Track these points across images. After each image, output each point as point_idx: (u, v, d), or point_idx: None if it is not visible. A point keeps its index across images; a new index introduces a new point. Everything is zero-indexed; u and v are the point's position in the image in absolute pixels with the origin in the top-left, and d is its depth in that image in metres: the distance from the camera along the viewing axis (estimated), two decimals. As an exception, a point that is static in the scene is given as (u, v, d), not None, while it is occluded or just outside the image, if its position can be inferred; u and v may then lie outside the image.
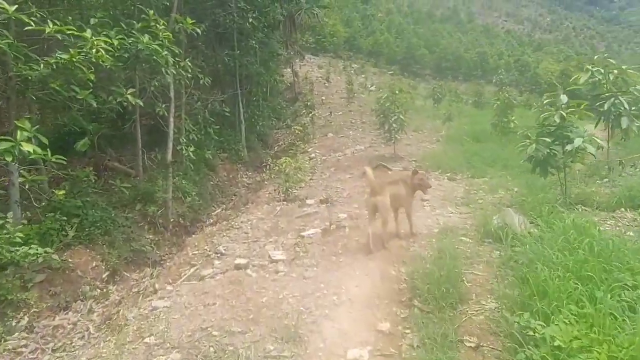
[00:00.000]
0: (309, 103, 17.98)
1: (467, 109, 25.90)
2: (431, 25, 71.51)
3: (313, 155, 14.00)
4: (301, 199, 8.79)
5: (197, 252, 6.65)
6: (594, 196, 7.04)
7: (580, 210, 6.70)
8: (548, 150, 6.31)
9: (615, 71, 8.51)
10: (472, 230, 5.93)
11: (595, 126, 9.23)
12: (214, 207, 12.03)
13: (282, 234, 6.78)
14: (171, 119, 9.84)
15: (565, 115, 6.33)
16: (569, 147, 6.12)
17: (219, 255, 6.20)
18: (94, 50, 6.06)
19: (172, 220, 10.00)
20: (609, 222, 5.79)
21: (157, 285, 5.67)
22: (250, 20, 12.60)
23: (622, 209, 6.43)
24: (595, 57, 8.76)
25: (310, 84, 29.30)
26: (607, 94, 8.53)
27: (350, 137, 16.15)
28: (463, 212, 7.25)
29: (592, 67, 8.64)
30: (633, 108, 8.37)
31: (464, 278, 4.27)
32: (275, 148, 18.50)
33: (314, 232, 6.55)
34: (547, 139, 6.27)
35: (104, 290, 7.36)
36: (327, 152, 14.16)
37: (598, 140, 6.26)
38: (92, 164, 10.89)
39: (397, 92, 11.89)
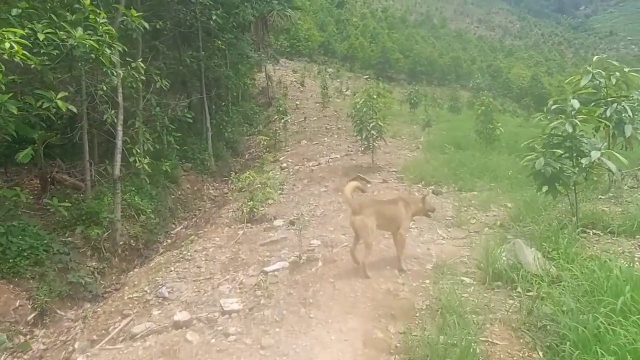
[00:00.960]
0: (281, 108, 16.69)
1: (444, 113, 25.09)
2: (405, 30, 71.13)
3: (285, 164, 12.73)
4: (268, 219, 7.53)
5: (135, 294, 5.30)
6: (604, 217, 6.01)
7: (592, 234, 5.67)
8: (559, 165, 5.23)
9: (617, 74, 7.57)
10: (474, 267, 4.80)
11: (595, 134, 8.27)
12: (174, 224, 10.66)
13: (242, 268, 5.52)
14: (119, 128, 8.46)
15: (578, 123, 5.27)
16: (584, 162, 5.05)
17: (160, 300, 4.88)
18: (6, 45, 4.75)
19: (121, 243, 8.61)
20: (637, 255, 4.72)
21: (76, 344, 4.33)
22: (214, 17, 11.27)
23: (642, 235, 5.40)
24: (595, 58, 7.79)
25: (285, 88, 28.07)
26: (609, 99, 7.58)
27: (325, 144, 14.96)
28: (456, 237, 6.14)
29: (593, 69, 7.67)
30: (636, 114, 7.45)
31: (477, 350, 3.07)
32: (246, 156, 17.17)
33: (280, 266, 5.31)
34: (558, 151, 5.19)
35: (28, 337, 5.99)
36: (300, 161, 12.92)
37: (618, 155, 5.21)
38: (39, 176, 9.46)
39: (374, 96, 10.77)
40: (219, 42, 13.78)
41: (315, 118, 20.14)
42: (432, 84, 51.45)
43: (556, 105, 5.56)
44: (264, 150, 15.97)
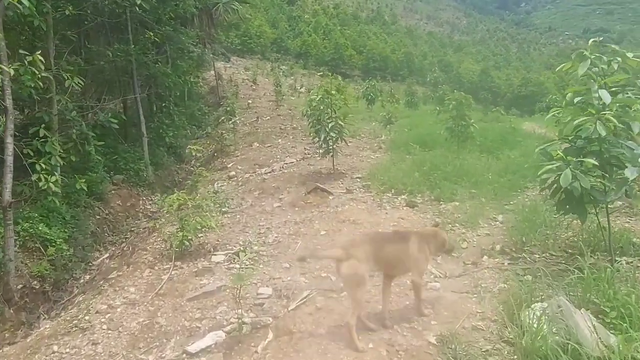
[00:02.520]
0: (228, 108, 14.82)
1: (402, 109, 23.89)
2: (357, 27, 70.08)
3: (233, 172, 10.91)
4: (205, 253, 5.75)
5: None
6: (634, 238, 4.67)
7: (624, 263, 4.29)
8: (592, 181, 3.78)
9: (619, 59, 6.28)
10: (495, 336, 3.25)
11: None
12: (99, 251, 8.65)
13: (158, 344, 3.75)
14: (8, 140, 6.42)
15: (615, 121, 3.83)
16: (628, 174, 3.61)
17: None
18: None
19: (19, 287, 6.60)
20: None
21: None
22: (140, 2, 9.25)
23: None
24: (591, 41, 6.46)
25: (236, 87, 26.04)
26: (613, 88, 6.29)
27: (279, 146, 13.20)
28: (451, 274, 4.60)
29: (591, 54, 6.36)
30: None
31: None
32: (192, 162, 15.15)
33: (211, 341, 3.58)
34: (589, 161, 3.72)
35: None
36: (250, 168, 11.13)
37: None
38: None
39: (333, 92, 9.15)
40: (152, 34, 11.72)
41: (268, 117, 18.32)
42: (386, 79, 50.62)
43: (579, 98, 4.08)
44: (212, 156, 14.08)
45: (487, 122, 19.36)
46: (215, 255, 5.61)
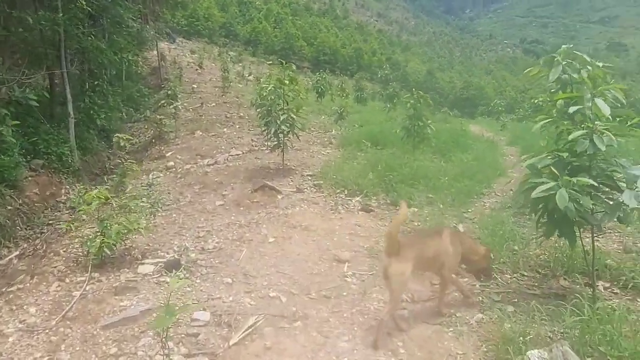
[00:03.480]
0: (170, 92, 13.58)
1: (351, 104, 23.44)
2: (309, 18, 69.07)
3: (171, 163, 9.84)
4: (132, 261, 4.82)
5: None
6: (615, 264, 4.33)
7: (603, 290, 3.92)
8: (589, 202, 3.32)
9: (589, 67, 6.00)
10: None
11: (556, 141, 6.71)
12: (7, 248, 7.33)
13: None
14: None
15: (612, 137, 3.38)
16: (626, 199, 3.15)
17: None
18: None
19: None
20: None
21: None
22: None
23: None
24: (563, 46, 6.14)
25: (180, 70, 24.39)
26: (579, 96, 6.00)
27: (224, 136, 12.20)
28: (419, 296, 4.02)
29: (563, 60, 6.03)
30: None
31: None
32: (127, 147, 13.74)
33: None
34: (585, 181, 3.24)
35: None
36: (191, 158, 10.11)
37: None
38: None
39: (286, 82, 8.37)
40: (84, 3, 10.29)
41: (213, 104, 17.15)
42: (336, 73, 50.33)
43: (575, 108, 3.60)
44: (150, 142, 12.83)
45: (435, 122, 19.34)
46: (142, 264, 4.69)
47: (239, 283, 4.30)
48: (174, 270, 4.51)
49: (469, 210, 6.93)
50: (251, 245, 5.22)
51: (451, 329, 3.39)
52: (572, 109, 3.52)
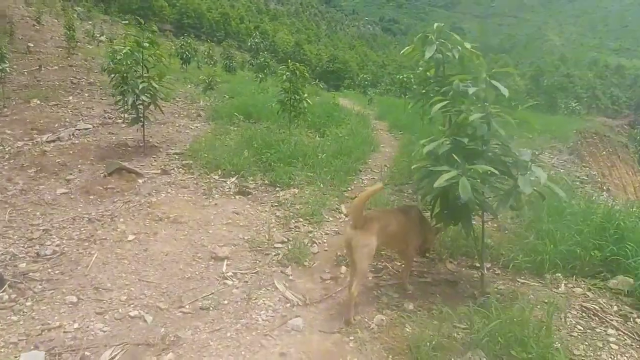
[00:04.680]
0: (-8, 49, 10.89)
1: (219, 73, 22.03)
2: (170, -23, 63.16)
3: (-3, 139, 7.87)
4: None
5: None
6: (498, 244, 4.37)
7: (492, 272, 3.91)
8: (489, 190, 3.13)
9: (459, 47, 6.03)
10: None
11: (429, 120, 6.76)
12: None
13: None
14: None
15: (512, 122, 3.22)
16: (522, 185, 3.01)
17: None
18: None
19: None
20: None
21: None
22: None
23: (558, 274, 3.85)
24: (435, 25, 6.07)
25: (11, 24, 20.11)
26: (452, 78, 6.02)
27: (69, 106, 10.23)
28: (311, 296, 3.54)
29: (436, 40, 5.95)
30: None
31: None
32: None
33: None
34: (485, 168, 3.03)
35: None
36: (25, 134, 8.19)
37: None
38: None
39: (145, 45, 7.09)
40: None
41: (56, 68, 14.41)
42: (202, 39, 47.35)
43: (474, 89, 3.34)
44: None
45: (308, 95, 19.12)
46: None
47: (88, 301, 3.35)
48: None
49: (349, 189, 6.70)
50: (104, 247, 4.21)
51: (352, 338, 2.98)
52: (471, 90, 3.26)
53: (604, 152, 19.41)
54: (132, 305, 3.32)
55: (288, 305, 3.40)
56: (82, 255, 4.06)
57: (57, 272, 3.77)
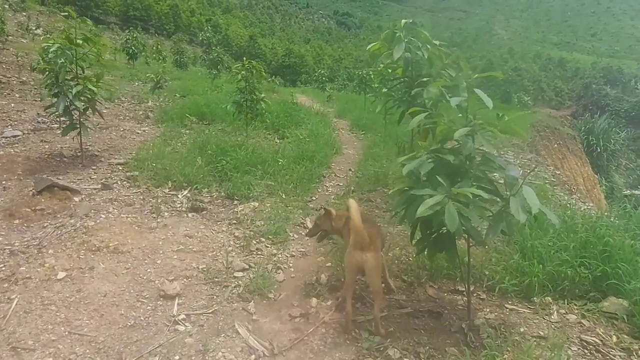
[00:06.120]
0: None
1: (170, 69, 20.91)
2: (113, -34, 59.83)
3: None
4: None
5: None
6: (480, 263, 4.01)
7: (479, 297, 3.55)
8: (476, 216, 2.72)
9: (428, 46, 5.66)
10: None
11: (399, 123, 6.36)
12: None
13: None
14: None
15: (498, 133, 2.84)
16: (515, 212, 2.61)
17: None
18: None
19: None
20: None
21: None
22: None
23: (548, 297, 3.53)
24: (403, 21, 5.67)
25: None
26: (424, 79, 5.64)
27: (-4, 109, 9.16)
28: (279, 342, 3.02)
29: (405, 37, 5.55)
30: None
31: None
32: None
33: None
34: (474, 191, 2.62)
35: None
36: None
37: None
38: None
39: (79, 41, 6.26)
40: None
41: (-19, 64, 13.05)
42: (149, 32, 45.29)
43: (459, 100, 2.89)
44: None
45: (264, 92, 18.41)
46: None
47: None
48: None
49: (313, 198, 6.22)
50: (28, 289, 3.50)
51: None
52: (454, 102, 2.82)
53: (556, 145, 19.98)
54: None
55: (252, 357, 2.87)
56: (0, 300, 3.36)
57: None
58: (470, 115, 2.88)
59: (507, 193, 2.80)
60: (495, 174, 3.03)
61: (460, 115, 2.99)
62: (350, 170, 7.69)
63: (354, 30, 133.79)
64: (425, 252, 3.06)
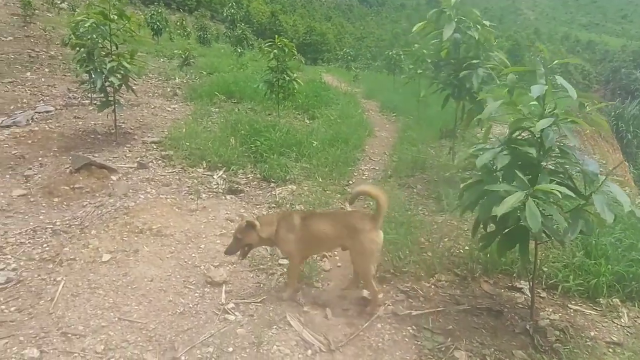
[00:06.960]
0: None
1: (194, 45, 20.73)
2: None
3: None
4: None
5: None
6: (544, 260, 3.78)
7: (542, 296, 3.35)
8: (558, 214, 2.49)
9: (479, 27, 5.34)
10: None
11: (443, 107, 6.08)
12: None
13: None
14: None
15: (584, 124, 2.60)
16: (601, 211, 2.40)
17: None
18: None
19: None
20: None
21: None
22: None
23: (615, 299, 3.32)
24: (453, 1, 5.33)
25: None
26: (473, 61, 5.35)
27: (27, 84, 9.09)
28: (334, 337, 2.88)
29: (455, 17, 5.23)
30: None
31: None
32: None
33: None
34: (558, 189, 2.39)
35: None
36: (-26, 118, 7.15)
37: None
38: None
39: (114, 16, 6.09)
40: None
41: (10, 39, 12.93)
42: (171, 7, 45.00)
43: (540, 89, 2.62)
44: None
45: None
46: None
47: (54, 355, 2.61)
48: None
49: (350, 182, 6.04)
50: (73, 270, 3.43)
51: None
52: (535, 91, 2.56)
53: (588, 131, 19.30)
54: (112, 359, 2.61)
55: (309, 352, 2.75)
56: (46, 282, 3.29)
57: (12, 309, 3.00)
58: (552, 104, 2.63)
59: (586, 189, 2.59)
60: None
61: (533, 103, 2.75)
62: (385, 153, 7.47)
63: (376, 7, 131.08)
64: (495, 248, 2.84)
